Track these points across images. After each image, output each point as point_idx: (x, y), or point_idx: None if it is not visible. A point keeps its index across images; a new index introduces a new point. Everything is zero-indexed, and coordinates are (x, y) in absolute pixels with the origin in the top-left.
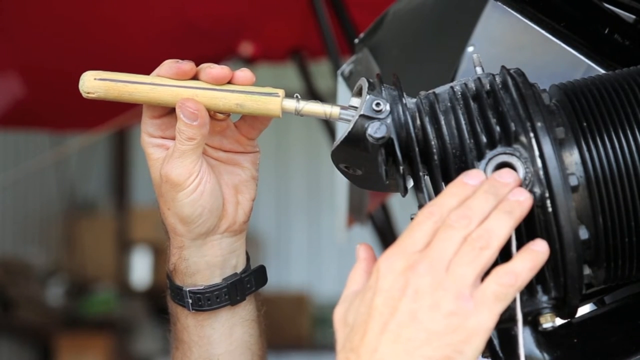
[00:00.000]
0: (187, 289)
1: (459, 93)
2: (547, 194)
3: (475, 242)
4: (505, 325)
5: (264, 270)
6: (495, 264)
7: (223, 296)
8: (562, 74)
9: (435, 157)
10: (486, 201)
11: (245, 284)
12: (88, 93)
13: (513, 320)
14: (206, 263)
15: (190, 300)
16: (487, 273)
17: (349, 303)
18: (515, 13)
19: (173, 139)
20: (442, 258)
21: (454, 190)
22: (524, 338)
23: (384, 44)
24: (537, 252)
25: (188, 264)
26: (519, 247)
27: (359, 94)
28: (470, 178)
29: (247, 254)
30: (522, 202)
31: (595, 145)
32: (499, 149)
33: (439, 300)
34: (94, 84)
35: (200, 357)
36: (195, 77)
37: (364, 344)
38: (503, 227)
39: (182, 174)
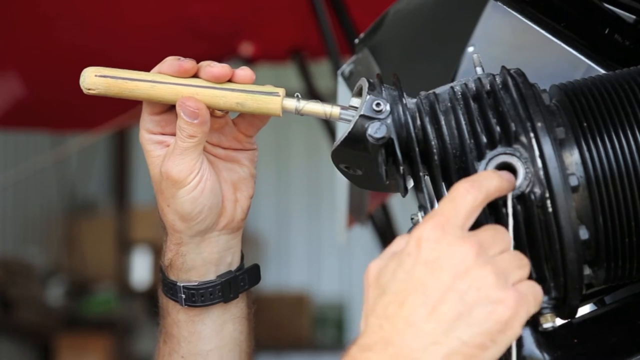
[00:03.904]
0: (181, 284)
1: (459, 93)
2: (547, 194)
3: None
4: None
5: (257, 268)
6: None
7: (216, 293)
8: (562, 74)
9: (436, 157)
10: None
11: (239, 281)
12: (89, 89)
13: None
14: (202, 260)
15: (183, 296)
16: None
17: (386, 262)
18: (515, 13)
19: (173, 135)
20: (492, 245)
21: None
22: (524, 339)
23: (384, 44)
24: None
25: (185, 260)
26: (519, 247)
27: (359, 94)
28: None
29: (241, 252)
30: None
31: (596, 145)
32: (499, 149)
33: (489, 285)
34: (95, 80)
35: (189, 353)
36: (195, 75)
37: (402, 315)
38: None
39: (183, 171)
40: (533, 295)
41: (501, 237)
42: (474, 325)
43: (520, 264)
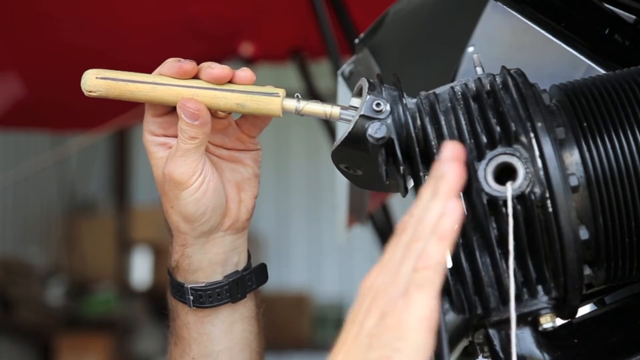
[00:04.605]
0: (189, 286)
1: (459, 93)
2: (547, 194)
3: (412, 239)
4: (505, 327)
5: (264, 268)
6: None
7: (224, 293)
8: (562, 74)
9: (436, 157)
10: (428, 190)
11: (246, 281)
12: (90, 91)
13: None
14: (208, 260)
15: (191, 297)
16: None
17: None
18: (515, 13)
19: (175, 136)
20: (394, 265)
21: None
22: (524, 338)
23: (384, 44)
24: (444, 227)
25: (191, 261)
26: (519, 247)
27: (359, 94)
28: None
29: (248, 251)
30: (448, 175)
31: (596, 145)
32: (499, 149)
33: (383, 306)
34: (96, 82)
35: (199, 354)
36: (196, 77)
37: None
38: (432, 213)
39: (185, 173)
40: (415, 284)
41: (401, 240)
42: (373, 343)
43: (408, 254)
